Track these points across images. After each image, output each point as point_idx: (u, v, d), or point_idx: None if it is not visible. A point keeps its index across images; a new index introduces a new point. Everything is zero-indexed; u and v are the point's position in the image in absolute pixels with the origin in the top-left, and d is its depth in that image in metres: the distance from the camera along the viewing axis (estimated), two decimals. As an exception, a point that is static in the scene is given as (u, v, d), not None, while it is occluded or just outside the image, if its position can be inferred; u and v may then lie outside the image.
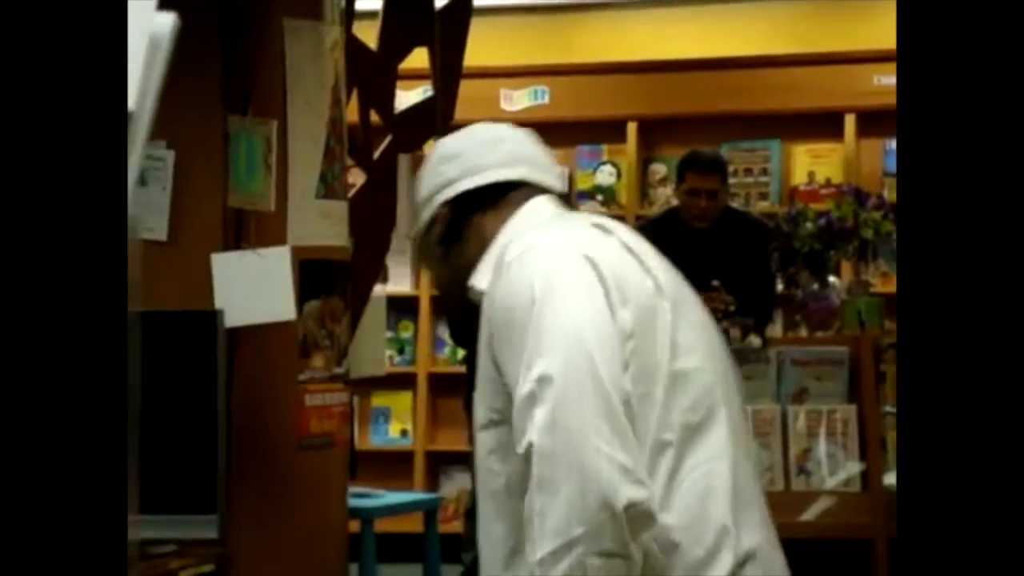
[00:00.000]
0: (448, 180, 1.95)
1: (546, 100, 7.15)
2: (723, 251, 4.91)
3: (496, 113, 7.10)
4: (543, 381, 1.66)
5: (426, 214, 1.98)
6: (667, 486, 1.70)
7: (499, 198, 1.93)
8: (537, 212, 1.91)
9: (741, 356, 4.42)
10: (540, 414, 1.65)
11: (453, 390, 6.30)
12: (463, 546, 5.64)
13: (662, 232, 5.08)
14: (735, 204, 6.19)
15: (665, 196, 6.85)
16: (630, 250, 1.79)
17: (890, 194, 6.61)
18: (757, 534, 1.76)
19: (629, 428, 1.66)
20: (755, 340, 4.43)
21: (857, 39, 6.83)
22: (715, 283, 4.60)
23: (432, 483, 7.08)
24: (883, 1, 6.91)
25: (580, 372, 1.66)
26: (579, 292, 1.71)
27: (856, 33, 6.87)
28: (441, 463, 7.16)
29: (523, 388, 1.68)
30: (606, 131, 7.10)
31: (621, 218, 6.90)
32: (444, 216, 1.95)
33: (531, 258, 1.76)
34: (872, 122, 6.72)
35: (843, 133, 6.73)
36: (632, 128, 7.05)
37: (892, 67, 6.62)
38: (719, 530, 1.71)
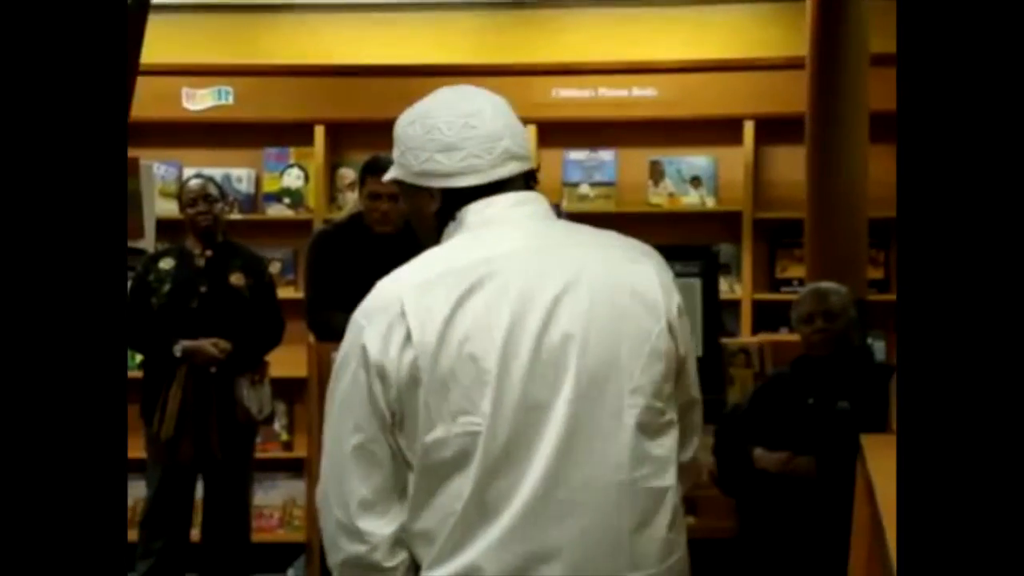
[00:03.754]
0: (447, 172, 2.14)
1: (231, 100, 7.03)
2: (405, 256, 4.90)
3: (178, 112, 6.95)
4: (323, 437, 2.13)
5: (420, 182, 2.16)
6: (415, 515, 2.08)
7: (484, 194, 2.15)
8: (450, 232, 2.15)
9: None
10: (321, 462, 2.13)
11: (130, 396, 6.10)
12: (137, 555, 5.48)
13: (346, 237, 5.07)
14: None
15: (354, 200, 6.84)
16: (408, 336, 2.04)
17: (568, 203, 6.86)
18: (481, 555, 2.04)
19: (365, 490, 2.06)
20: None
21: (538, 52, 7.02)
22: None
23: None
24: (564, 16, 7.14)
25: (331, 442, 2.10)
26: (345, 378, 2.09)
27: (537, 46, 7.06)
28: (117, 471, 6.94)
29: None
30: (293, 134, 7.05)
31: (309, 222, 6.89)
32: (438, 199, 2.15)
33: (348, 328, 2.14)
34: (551, 133, 6.91)
35: (525, 143, 6.88)
36: (320, 131, 7.02)
37: (570, 80, 6.91)
38: (438, 546, 2.06)
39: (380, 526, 2.06)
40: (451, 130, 2.14)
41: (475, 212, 2.14)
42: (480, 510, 2.02)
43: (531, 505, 2.02)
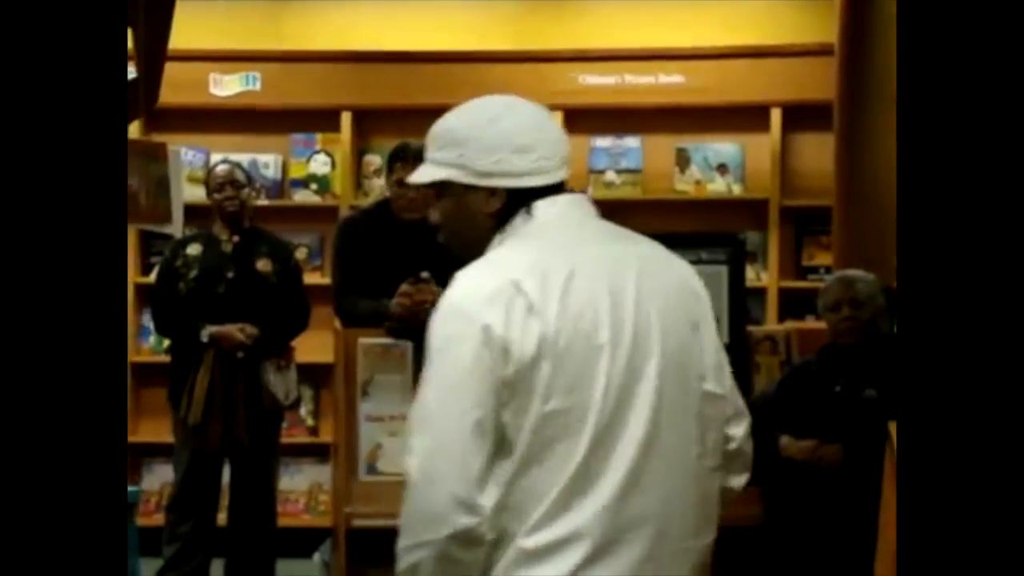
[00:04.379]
0: (519, 172, 2.23)
1: (258, 87, 7.04)
2: (432, 243, 4.89)
3: (205, 98, 6.97)
4: (423, 414, 2.16)
5: (483, 182, 2.23)
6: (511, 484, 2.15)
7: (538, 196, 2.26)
8: (518, 229, 2.24)
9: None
10: (413, 441, 2.15)
11: (157, 380, 6.14)
12: (164, 539, 5.51)
13: (373, 223, 5.07)
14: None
15: (380, 187, 6.84)
16: (532, 311, 2.13)
17: (594, 190, 6.85)
18: (584, 522, 2.13)
19: (477, 463, 2.12)
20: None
21: (563, 38, 7.00)
22: (424, 274, 4.62)
23: (134, 476, 6.89)
24: (589, 2, 7.12)
25: (444, 418, 2.13)
26: (463, 357, 2.13)
27: (562, 32, 7.04)
28: (144, 455, 6.97)
29: (413, 412, 2.18)
30: (320, 120, 7.05)
31: (335, 208, 6.90)
32: (501, 198, 2.24)
33: (443, 314, 2.17)
34: (577, 120, 6.90)
35: (552, 130, 6.86)
36: (346, 118, 7.02)
37: (596, 66, 6.90)
38: (537, 517, 2.14)
39: (486, 499, 2.14)
40: (526, 132, 2.25)
41: (544, 209, 2.25)
42: (584, 479, 2.13)
43: (629, 475, 2.15)
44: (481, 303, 2.14)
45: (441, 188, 2.28)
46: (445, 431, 2.13)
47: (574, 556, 2.12)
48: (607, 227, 2.34)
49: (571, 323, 2.15)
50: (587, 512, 2.13)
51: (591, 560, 2.13)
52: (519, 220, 2.24)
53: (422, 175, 2.30)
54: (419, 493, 2.14)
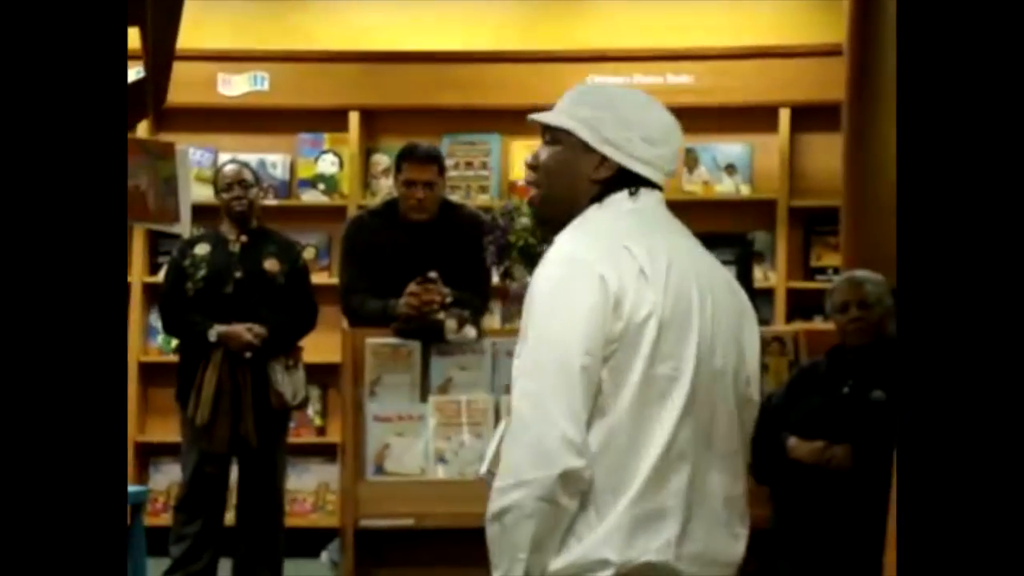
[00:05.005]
0: (641, 157, 2.34)
1: (266, 87, 7.04)
2: (440, 243, 4.94)
3: (214, 98, 6.98)
4: (534, 358, 2.18)
5: (604, 148, 2.32)
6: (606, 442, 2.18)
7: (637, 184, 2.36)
8: (620, 204, 2.33)
9: (456, 347, 4.47)
10: (522, 383, 2.18)
11: (165, 380, 6.14)
12: (171, 539, 5.51)
13: (380, 223, 5.07)
14: (456, 197, 6.24)
15: (388, 187, 6.85)
16: (643, 274, 2.21)
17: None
18: (673, 496, 2.21)
19: (583, 409, 2.15)
20: (471, 332, 4.49)
21: (572, 38, 7.00)
22: (432, 274, 4.62)
23: (142, 475, 6.90)
24: (598, 2, 7.12)
25: (556, 362, 2.16)
26: (579, 303, 2.18)
27: (571, 32, 7.04)
28: (151, 454, 6.98)
29: (523, 356, 2.20)
30: (328, 120, 7.06)
31: (343, 208, 6.90)
32: (611, 169, 2.32)
33: (556, 263, 2.23)
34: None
35: (560, 130, 6.86)
36: (354, 117, 7.03)
37: (604, 66, 6.89)
38: (638, 478, 2.18)
39: (590, 446, 2.17)
40: (660, 130, 2.39)
41: (646, 195, 2.36)
42: (669, 453, 2.20)
43: (704, 457, 2.25)
44: (597, 255, 2.21)
45: (556, 138, 2.35)
46: (556, 374, 2.15)
47: (666, 531, 2.19)
48: (684, 228, 2.45)
49: (672, 299, 2.23)
50: (674, 487, 2.20)
51: (681, 536, 2.20)
52: (621, 196, 2.33)
53: (549, 116, 2.36)
54: (530, 433, 2.14)
